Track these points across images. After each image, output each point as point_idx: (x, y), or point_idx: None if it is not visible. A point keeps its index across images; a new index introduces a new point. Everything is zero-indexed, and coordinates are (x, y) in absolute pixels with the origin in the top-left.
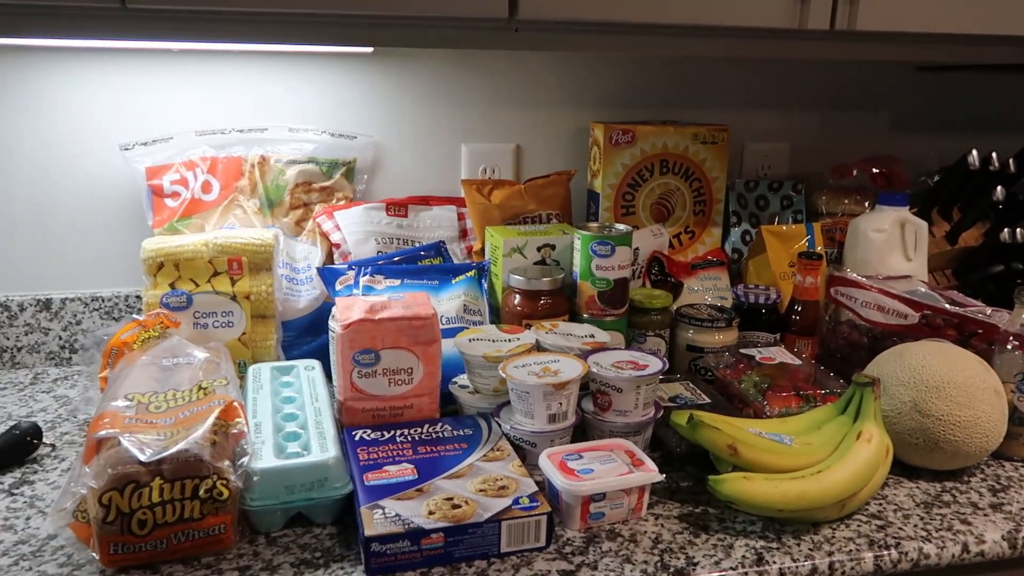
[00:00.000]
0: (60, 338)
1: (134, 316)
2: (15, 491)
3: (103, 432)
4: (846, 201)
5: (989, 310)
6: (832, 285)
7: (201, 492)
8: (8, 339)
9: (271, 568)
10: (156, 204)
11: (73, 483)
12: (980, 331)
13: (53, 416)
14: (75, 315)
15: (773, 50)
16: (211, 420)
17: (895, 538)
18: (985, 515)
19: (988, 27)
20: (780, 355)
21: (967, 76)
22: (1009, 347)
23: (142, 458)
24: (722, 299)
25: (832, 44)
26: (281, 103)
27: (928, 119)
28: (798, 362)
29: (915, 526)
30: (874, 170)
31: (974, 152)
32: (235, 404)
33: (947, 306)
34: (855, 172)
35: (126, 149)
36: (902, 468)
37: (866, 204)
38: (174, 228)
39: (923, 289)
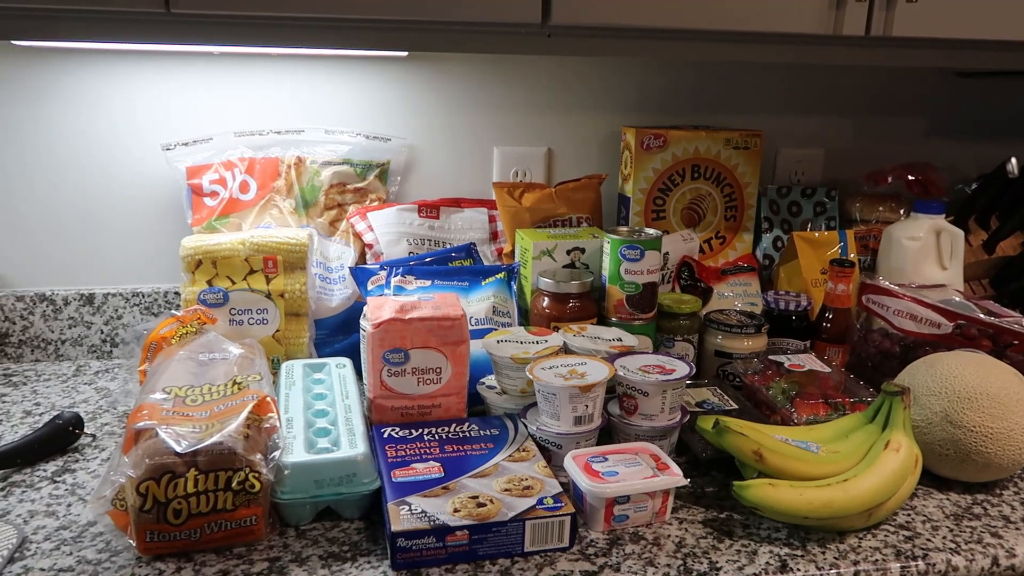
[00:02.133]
0: (102, 332)
1: (172, 312)
2: (57, 479)
3: (141, 423)
4: (880, 208)
5: None
6: (864, 293)
7: (234, 484)
8: (53, 332)
9: (300, 560)
10: (195, 203)
11: (112, 472)
12: (1016, 342)
13: (94, 407)
14: (116, 310)
15: (808, 56)
16: (245, 414)
17: (923, 549)
18: (1017, 529)
19: None
20: (809, 362)
21: (1007, 82)
22: None
23: (178, 449)
24: (752, 305)
25: (868, 50)
26: (318, 105)
27: (966, 125)
28: (827, 370)
29: (944, 538)
30: (910, 177)
31: (1013, 160)
32: (268, 399)
33: (982, 316)
34: (890, 179)
35: (168, 149)
36: (932, 479)
37: (901, 211)
38: (212, 227)
39: (958, 298)
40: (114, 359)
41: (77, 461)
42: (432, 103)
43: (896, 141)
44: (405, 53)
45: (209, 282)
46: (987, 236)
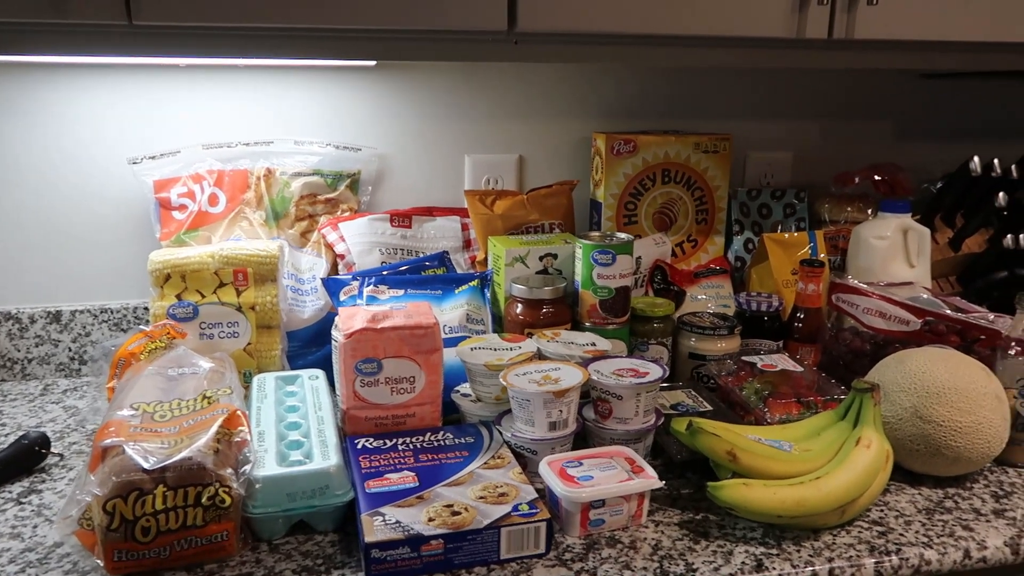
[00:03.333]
0: (70, 349)
1: (141, 327)
2: (23, 500)
3: (108, 440)
4: (849, 209)
5: (992, 316)
6: (834, 292)
7: (204, 499)
8: (19, 351)
9: (273, 575)
10: (164, 217)
11: (79, 491)
12: (983, 337)
13: (62, 426)
14: (84, 327)
15: (773, 59)
16: (214, 429)
17: (896, 544)
18: (987, 521)
19: (991, 34)
20: (782, 362)
21: (970, 83)
22: (1012, 352)
23: (146, 466)
24: (725, 307)
25: (831, 53)
26: (286, 116)
27: (931, 126)
28: (800, 369)
29: (916, 532)
30: (876, 177)
31: (976, 159)
32: (238, 413)
33: (949, 312)
34: (857, 180)
35: (134, 163)
36: (904, 474)
37: (869, 212)
38: (181, 240)
39: (925, 295)
40: (83, 377)
41: (44, 481)
42: (402, 112)
43: (863, 143)
44: (373, 62)
45: (178, 296)
46: (953, 234)
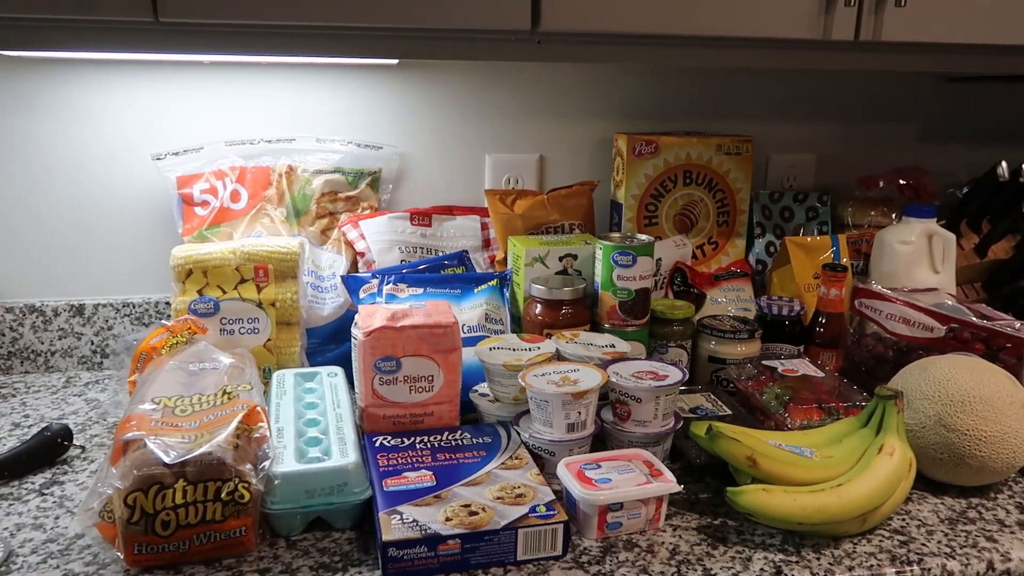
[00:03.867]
0: (92, 343)
1: (163, 322)
2: (45, 491)
3: (130, 434)
4: (872, 213)
5: (1018, 324)
6: (857, 297)
7: (223, 495)
8: (43, 343)
9: (290, 571)
10: (186, 212)
11: (100, 484)
12: (1009, 345)
13: (84, 419)
14: (107, 320)
15: (798, 61)
16: (234, 424)
17: (918, 554)
18: (1012, 533)
19: (1019, 37)
20: (803, 367)
21: (997, 86)
22: None
23: (166, 460)
24: (745, 310)
25: (857, 55)
26: (309, 114)
27: (957, 130)
28: (821, 375)
29: (939, 542)
30: (901, 181)
31: (1004, 164)
32: (258, 409)
33: (975, 319)
34: (882, 184)
35: (158, 159)
36: (927, 483)
37: (893, 216)
38: (203, 236)
39: (950, 302)
40: (104, 370)
41: (66, 473)
42: (424, 111)
43: (887, 146)
44: (395, 61)
45: (200, 292)
46: (979, 240)
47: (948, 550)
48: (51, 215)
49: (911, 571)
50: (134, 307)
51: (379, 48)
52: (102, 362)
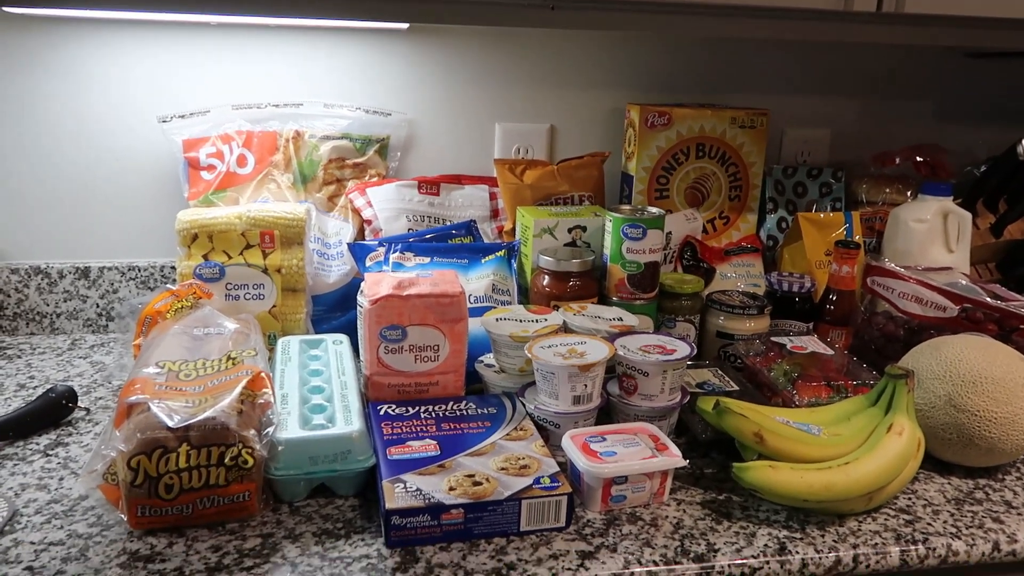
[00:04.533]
0: (97, 306)
1: (168, 286)
2: (50, 452)
3: (134, 398)
4: (887, 190)
5: None
6: (869, 275)
7: (227, 459)
8: (48, 305)
9: (293, 536)
10: (192, 176)
11: (104, 446)
12: (1022, 326)
13: (89, 381)
14: (112, 283)
15: (817, 33)
16: (238, 390)
17: (923, 533)
18: (1019, 514)
19: None
20: (812, 344)
21: (1019, 63)
22: None
23: (170, 424)
24: (755, 286)
25: (879, 27)
26: (317, 79)
27: (975, 107)
28: (830, 352)
29: (944, 522)
30: (918, 159)
31: (1023, 142)
32: (262, 375)
33: (988, 300)
34: (898, 160)
35: (164, 121)
36: (934, 463)
37: (908, 193)
38: (209, 201)
39: (964, 282)
40: (110, 333)
41: (70, 435)
42: (433, 77)
43: (904, 122)
44: (406, 25)
45: (205, 256)
46: (995, 219)
47: (954, 530)
48: (57, 177)
49: (916, 550)
50: (139, 271)
51: (389, 11)
52: (107, 325)
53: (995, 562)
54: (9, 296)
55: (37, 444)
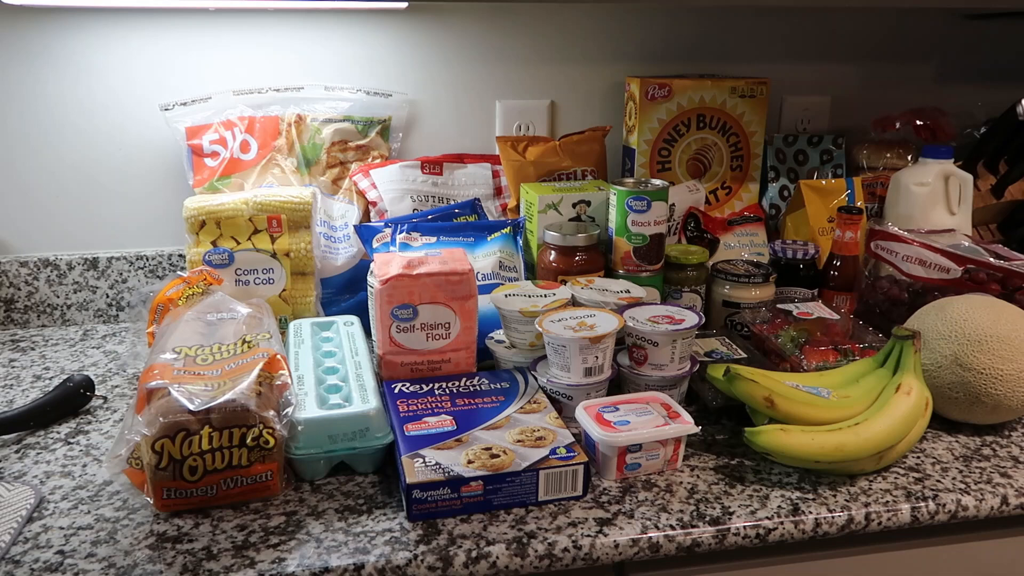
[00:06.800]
0: (107, 296)
1: (178, 273)
2: (71, 440)
3: (154, 383)
4: (888, 155)
5: None
6: (872, 239)
7: (248, 440)
8: (58, 297)
9: (316, 514)
10: (196, 164)
11: (127, 431)
12: None
13: (103, 370)
14: (121, 273)
15: None
16: (256, 372)
17: (933, 490)
18: None
19: None
20: (818, 310)
21: (1017, 24)
22: None
23: (191, 407)
24: (759, 255)
25: None
26: (317, 62)
27: (975, 69)
28: (836, 317)
29: (953, 479)
30: (918, 122)
31: (1023, 103)
32: (278, 357)
33: (991, 260)
34: (898, 125)
35: (166, 109)
36: (941, 422)
37: (909, 158)
38: (214, 187)
39: (966, 243)
40: (121, 322)
41: (90, 423)
42: (433, 57)
43: (903, 87)
44: (405, 4)
45: (214, 243)
46: (996, 181)
47: (963, 486)
48: (62, 169)
49: (926, 507)
50: (148, 260)
51: None
52: (118, 315)
53: (1004, 516)
54: (20, 289)
55: (58, 433)
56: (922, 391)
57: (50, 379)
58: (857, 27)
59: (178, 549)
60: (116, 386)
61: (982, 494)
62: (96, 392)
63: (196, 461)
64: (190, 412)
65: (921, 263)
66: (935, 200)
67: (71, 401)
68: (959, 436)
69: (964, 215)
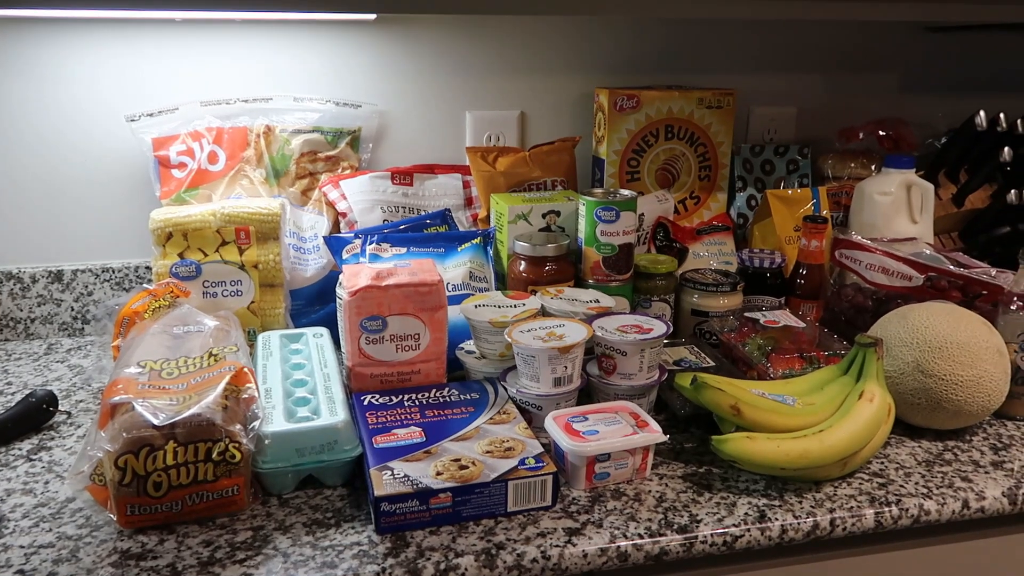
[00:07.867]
0: (72, 309)
1: (144, 286)
2: (33, 457)
3: (117, 398)
4: (852, 164)
5: (994, 271)
6: (837, 248)
7: (214, 455)
8: (22, 310)
9: (284, 528)
10: (163, 175)
11: (89, 447)
12: (985, 292)
13: (68, 385)
14: (86, 286)
15: (778, 10)
16: (222, 385)
17: (896, 495)
18: (986, 472)
19: None
20: (784, 318)
21: (977, 36)
22: (1013, 308)
23: (155, 422)
24: (727, 264)
25: (839, 4)
26: (285, 73)
27: (936, 81)
28: (802, 325)
29: (916, 484)
30: (881, 133)
31: (982, 113)
32: (245, 370)
33: (952, 268)
34: (861, 135)
35: (132, 120)
36: (904, 428)
37: (872, 167)
38: (181, 199)
39: (928, 251)
40: (86, 336)
41: (52, 439)
42: (402, 68)
43: (867, 97)
44: (373, 16)
45: (181, 255)
46: (956, 189)
47: (925, 491)
48: (26, 180)
49: (889, 512)
50: (114, 272)
51: (356, 1)
52: (83, 328)
53: (965, 519)
54: None
55: (20, 449)
56: (884, 398)
57: (12, 394)
58: (822, 39)
59: (142, 567)
60: (80, 400)
61: (944, 498)
62: (60, 407)
63: (160, 476)
64: (154, 427)
65: (884, 271)
66: (898, 209)
67: (33, 417)
68: (921, 441)
69: (926, 224)
